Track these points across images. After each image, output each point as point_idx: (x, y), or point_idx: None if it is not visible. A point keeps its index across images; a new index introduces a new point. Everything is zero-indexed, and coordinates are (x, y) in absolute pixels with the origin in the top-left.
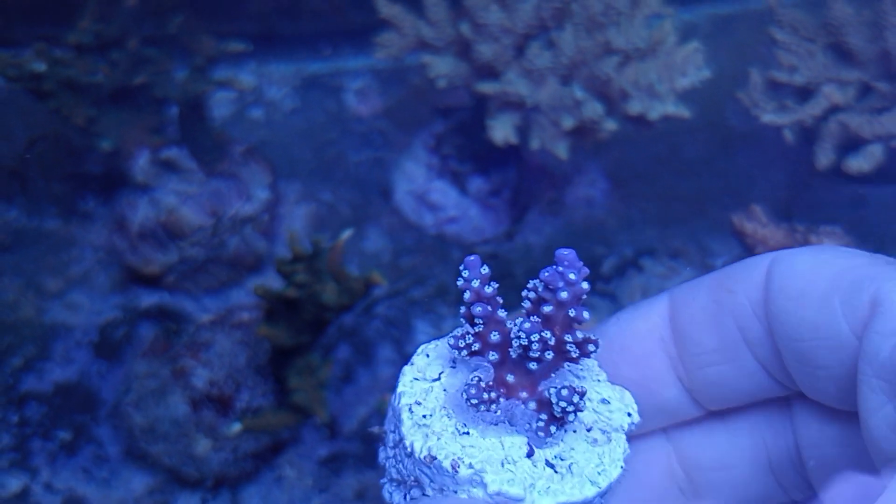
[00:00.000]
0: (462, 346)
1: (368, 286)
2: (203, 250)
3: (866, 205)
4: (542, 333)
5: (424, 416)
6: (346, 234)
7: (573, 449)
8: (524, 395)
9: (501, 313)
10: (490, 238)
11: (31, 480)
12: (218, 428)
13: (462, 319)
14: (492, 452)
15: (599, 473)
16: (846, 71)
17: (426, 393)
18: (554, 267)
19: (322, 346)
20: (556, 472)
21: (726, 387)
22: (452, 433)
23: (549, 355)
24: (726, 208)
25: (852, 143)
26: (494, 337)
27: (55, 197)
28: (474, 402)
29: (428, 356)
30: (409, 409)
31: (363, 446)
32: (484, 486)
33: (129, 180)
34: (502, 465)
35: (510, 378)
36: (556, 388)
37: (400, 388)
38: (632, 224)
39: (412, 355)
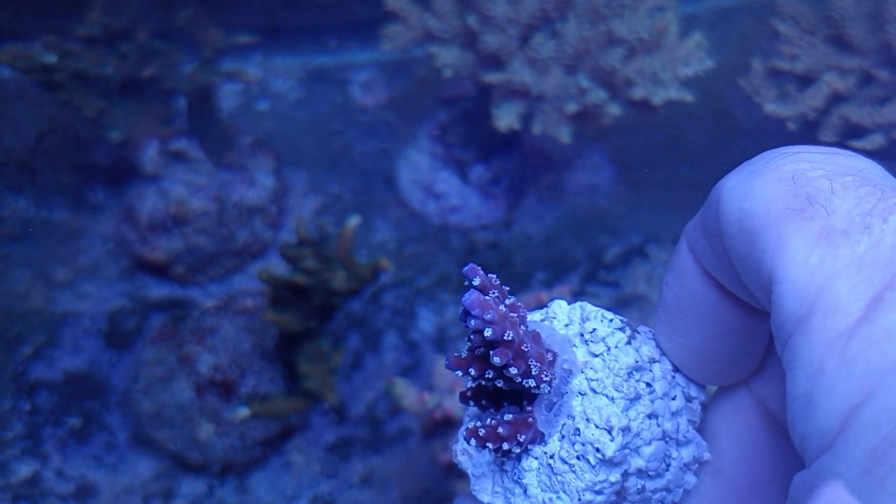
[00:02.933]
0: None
1: (376, 272)
2: (210, 240)
3: None
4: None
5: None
6: (354, 220)
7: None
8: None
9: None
10: (490, 225)
11: (41, 466)
12: (221, 413)
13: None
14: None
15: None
16: (846, 59)
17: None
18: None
19: (331, 333)
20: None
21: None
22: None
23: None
24: None
25: (854, 132)
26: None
27: (64, 188)
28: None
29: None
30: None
31: (370, 431)
32: None
33: (139, 171)
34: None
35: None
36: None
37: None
38: (635, 211)
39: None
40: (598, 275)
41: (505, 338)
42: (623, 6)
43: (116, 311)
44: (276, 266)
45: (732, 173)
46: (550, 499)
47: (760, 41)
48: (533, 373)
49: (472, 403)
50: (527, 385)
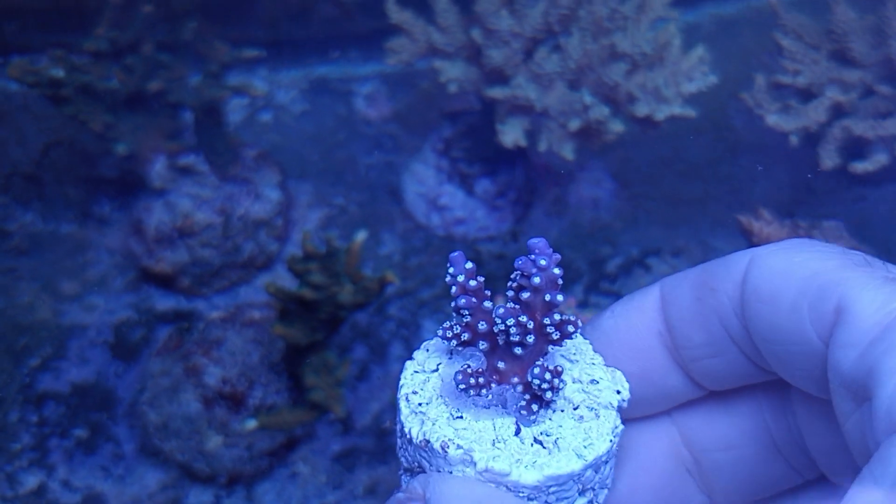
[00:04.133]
0: (450, 336)
1: (383, 285)
2: (216, 253)
3: (868, 205)
4: (519, 318)
5: (420, 405)
6: (361, 235)
7: (560, 426)
8: (515, 380)
9: (487, 304)
10: (496, 237)
11: (48, 478)
12: (230, 424)
13: (453, 314)
14: (483, 433)
15: (586, 447)
16: (849, 73)
17: (423, 383)
18: (525, 256)
19: (337, 345)
20: (543, 447)
21: (719, 376)
22: (447, 418)
23: (531, 339)
24: (730, 208)
25: (856, 146)
26: (482, 326)
27: (71, 201)
28: (462, 387)
29: (427, 350)
30: (407, 398)
31: (376, 441)
32: (473, 464)
33: (146, 185)
34: (493, 444)
35: (501, 364)
36: (538, 369)
37: (401, 381)
38: (637, 224)
39: (414, 351)
40: (601, 285)
41: (534, 284)
42: (626, 18)
43: (123, 323)
44: (283, 278)
45: (764, 247)
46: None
47: (762, 55)
48: (553, 338)
49: (454, 341)
50: (515, 339)
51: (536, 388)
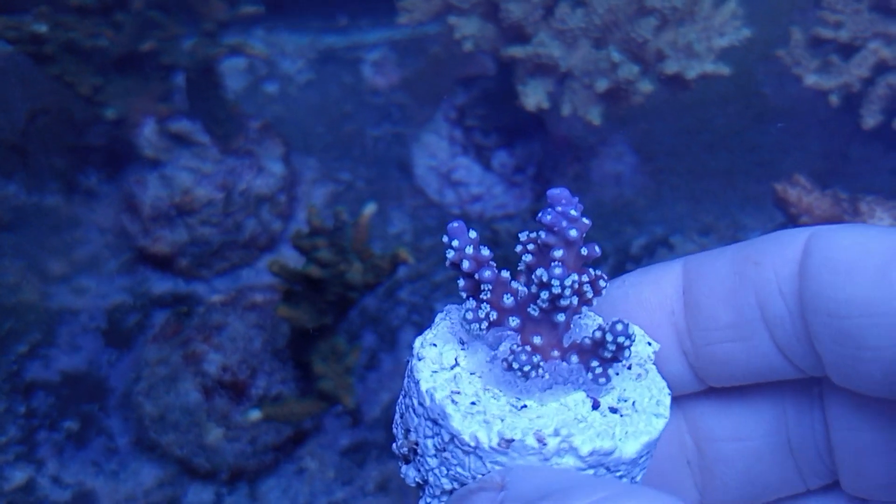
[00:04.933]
0: (481, 318)
1: (395, 264)
2: (216, 231)
3: None
4: (573, 276)
5: (473, 404)
6: (370, 208)
7: (625, 389)
8: (556, 353)
9: (506, 274)
10: (514, 215)
11: (36, 473)
12: (231, 416)
13: (463, 293)
14: (562, 416)
15: (658, 404)
16: (894, 25)
17: (455, 381)
18: (551, 208)
19: (344, 331)
20: (621, 415)
21: (734, 365)
22: (510, 411)
23: (575, 300)
24: (759, 181)
25: None
26: (508, 300)
27: (56, 172)
28: (527, 369)
29: (435, 345)
30: (452, 401)
31: (386, 434)
32: (574, 450)
33: (136, 153)
34: (577, 424)
35: (537, 340)
36: (602, 327)
37: (425, 386)
38: (661, 200)
39: (413, 349)
40: (627, 267)
41: (569, 238)
42: None
43: (116, 307)
44: (288, 259)
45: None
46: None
47: (792, 13)
48: (586, 293)
49: (483, 323)
50: (564, 303)
51: (613, 348)
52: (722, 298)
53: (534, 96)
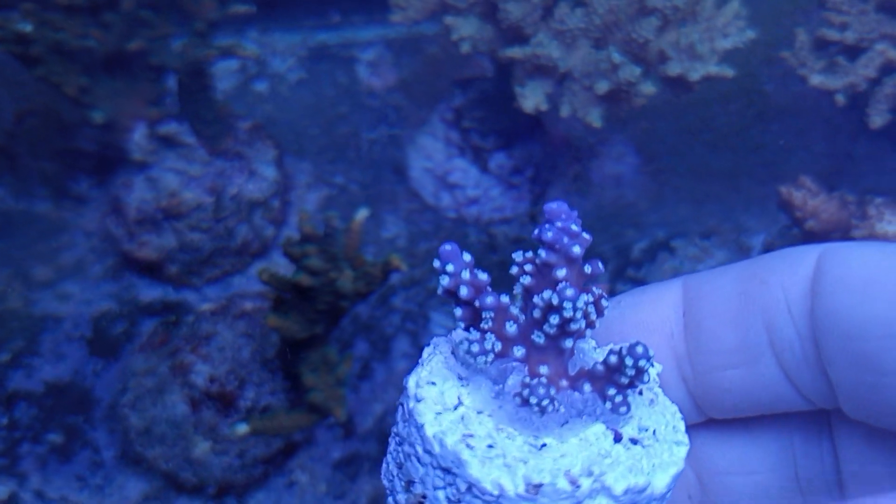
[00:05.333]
0: (487, 351)
1: (387, 272)
2: (207, 237)
3: None
4: (583, 297)
5: (491, 447)
6: (362, 213)
7: (641, 417)
8: (565, 382)
9: (505, 300)
10: (512, 218)
11: (19, 487)
12: (219, 429)
13: (461, 324)
14: (585, 453)
15: (675, 430)
16: None
17: (463, 422)
18: (550, 224)
19: (336, 339)
20: (643, 446)
21: (738, 394)
22: (530, 451)
23: (582, 324)
24: (763, 182)
25: None
26: (511, 328)
27: (46, 177)
28: (545, 403)
29: (434, 384)
30: (467, 445)
31: (379, 446)
32: (607, 490)
33: (125, 158)
34: (603, 460)
35: (544, 369)
36: (620, 348)
37: (431, 430)
38: (663, 202)
39: (407, 390)
40: (627, 272)
41: (572, 255)
42: None
43: (102, 315)
44: (280, 267)
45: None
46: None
47: (795, 14)
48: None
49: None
50: (574, 327)
51: (630, 374)
52: (726, 320)
53: (532, 98)
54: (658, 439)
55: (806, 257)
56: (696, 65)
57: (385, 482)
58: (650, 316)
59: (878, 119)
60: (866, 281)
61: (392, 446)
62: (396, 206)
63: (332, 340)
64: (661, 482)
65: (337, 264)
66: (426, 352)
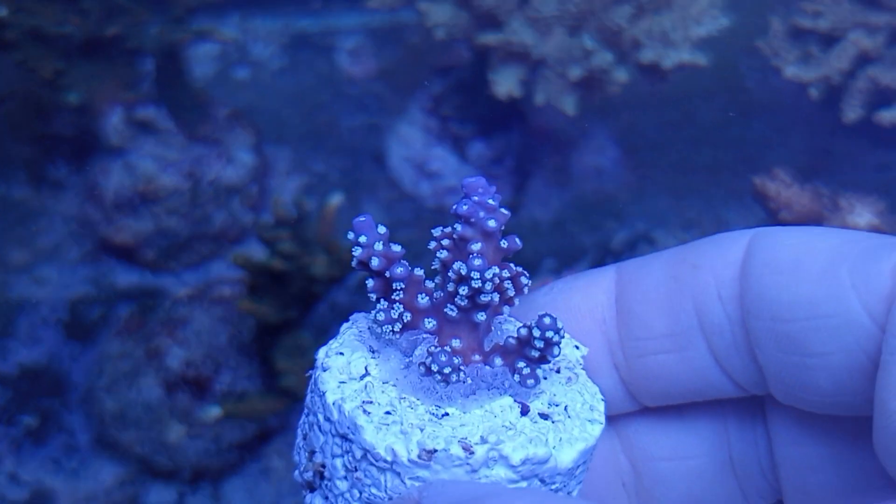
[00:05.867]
0: (394, 319)
1: None
2: (184, 222)
3: (892, 170)
4: (493, 269)
5: (388, 413)
6: (336, 199)
7: (555, 394)
8: (478, 357)
9: (419, 272)
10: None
11: None
12: (194, 413)
13: (372, 295)
14: (488, 423)
15: (591, 409)
16: (874, 16)
17: (366, 391)
18: (467, 198)
19: (314, 326)
20: (553, 421)
21: (669, 380)
22: (430, 420)
23: (495, 297)
24: (743, 176)
25: (883, 98)
26: (423, 300)
27: (23, 162)
28: (447, 371)
29: (341, 354)
30: (363, 411)
31: None
32: (505, 459)
33: (102, 142)
34: (506, 431)
35: (456, 343)
36: (527, 324)
37: (331, 397)
38: (643, 195)
39: (316, 360)
40: (606, 262)
41: (488, 229)
42: None
43: (79, 299)
44: (257, 252)
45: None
46: None
47: (775, 4)
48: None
49: (396, 325)
50: (484, 299)
51: (539, 346)
52: (656, 305)
53: (505, 84)
54: (570, 416)
55: (736, 242)
56: (669, 52)
57: (295, 457)
58: (582, 301)
59: (851, 114)
60: (794, 263)
61: (301, 419)
62: (375, 194)
63: (308, 326)
64: (566, 456)
65: (310, 249)
66: (343, 326)
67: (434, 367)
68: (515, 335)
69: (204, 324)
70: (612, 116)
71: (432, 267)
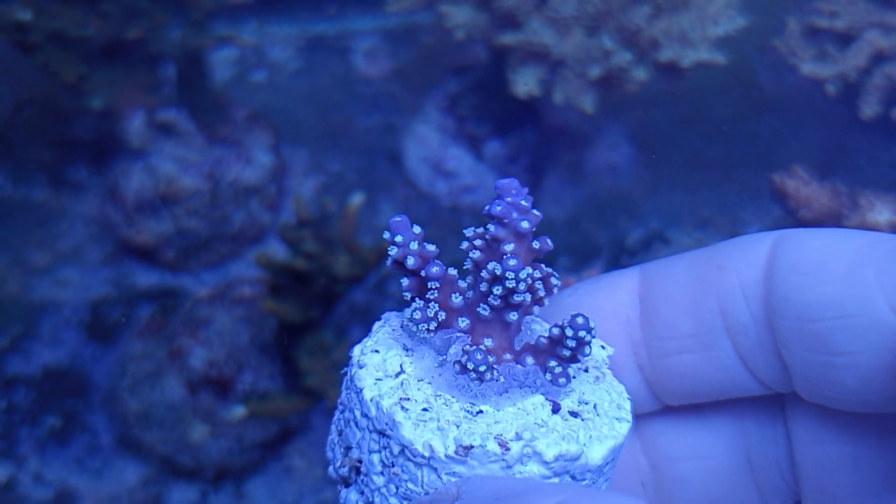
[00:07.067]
0: (430, 318)
1: (382, 257)
2: (204, 223)
3: None
4: (527, 269)
5: (426, 410)
6: (358, 198)
7: (584, 392)
8: (509, 356)
9: (453, 272)
10: None
11: (17, 470)
12: (217, 413)
13: (407, 294)
14: (521, 420)
15: (619, 408)
16: (890, 16)
17: (402, 388)
18: (500, 199)
19: (333, 325)
20: (583, 419)
21: (693, 379)
22: (466, 417)
23: (528, 297)
24: (757, 173)
25: None
26: (457, 300)
27: (44, 164)
28: (482, 369)
29: (377, 352)
30: (402, 408)
31: None
32: (538, 455)
33: (124, 145)
34: (539, 428)
35: (489, 342)
36: (560, 323)
37: (369, 394)
38: (658, 191)
39: (352, 357)
40: (621, 260)
41: (521, 230)
42: None
43: (100, 300)
44: (276, 251)
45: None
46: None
47: (788, 3)
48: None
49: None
50: (517, 299)
51: (571, 346)
52: (681, 305)
53: (524, 84)
54: (599, 414)
55: (761, 244)
56: (687, 51)
57: (328, 454)
58: (606, 302)
59: (868, 110)
60: (819, 264)
61: (336, 416)
62: (392, 193)
63: (328, 325)
64: (596, 453)
65: (332, 249)
66: (376, 325)
67: (470, 366)
68: (546, 334)
69: (225, 324)
70: (626, 113)
71: (464, 266)
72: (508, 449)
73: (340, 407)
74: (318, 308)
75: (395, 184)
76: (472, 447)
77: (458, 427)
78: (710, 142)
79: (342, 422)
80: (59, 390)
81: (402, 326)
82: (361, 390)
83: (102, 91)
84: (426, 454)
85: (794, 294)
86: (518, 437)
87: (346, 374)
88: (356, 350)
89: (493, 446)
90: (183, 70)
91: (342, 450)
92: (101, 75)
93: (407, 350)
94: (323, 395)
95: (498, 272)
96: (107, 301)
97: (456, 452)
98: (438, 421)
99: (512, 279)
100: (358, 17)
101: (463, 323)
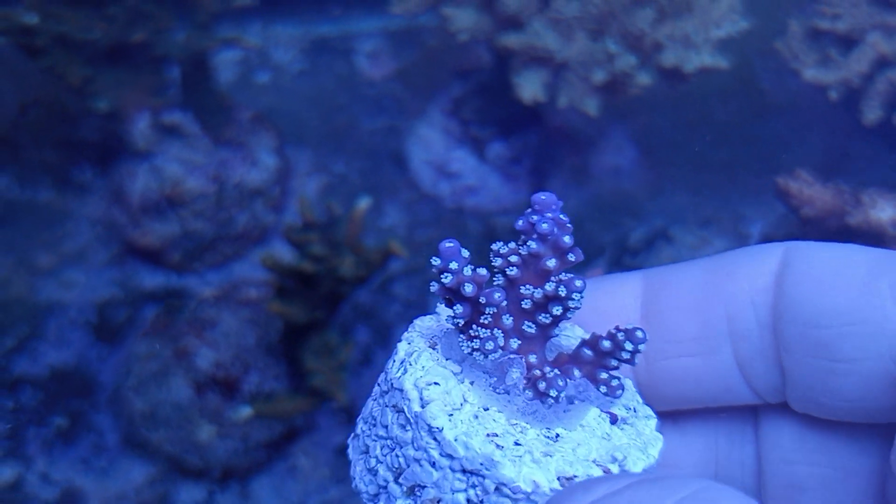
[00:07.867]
0: (500, 347)
1: (386, 258)
2: (209, 225)
3: None
4: (579, 282)
5: (517, 444)
6: (365, 202)
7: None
8: (548, 369)
9: (498, 295)
10: (511, 209)
11: (25, 470)
12: (223, 413)
13: (460, 320)
14: (594, 438)
15: (643, 406)
16: (893, 17)
17: (480, 421)
18: (541, 216)
19: (338, 325)
20: (630, 424)
21: (688, 384)
22: (548, 443)
23: (567, 312)
24: (759, 175)
25: None
26: (508, 321)
27: (49, 166)
28: (563, 395)
29: (437, 384)
30: (496, 445)
31: None
32: (628, 473)
33: (129, 147)
34: (609, 442)
35: (533, 358)
36: (615, 333)
37: (452, 433)
38: (661, 193)
39: (405, 392)
40: (624, 260)
41: (563, 245)
42: None
43: (106, 302)
44: (279, 252)
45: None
46: None
47: (790, 7)
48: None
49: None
50: (569, 316)
51: (625, 359)
52: (688, 309)
53: (529, 88)
54: (637, 415)
55: (771, 253)
56: (691, 55)
57: (361, 487)
58: (608, 303)
59: (870, 115)
60: (830, 274)
61: (377, 451)
62: (396, 195)
63: (333, 326)
64: (654, 456)
65: (338, 251)
66: (403, 348)
67: (552, 393)
68: (590, 345)
69: (232, 325)
70: (629, 117)
71: (495, 283)
72: (609, 472)
73: (389, 443)
74: (324, 309)
75: (398, 185)
76: (574, 477)
77: (551, 457)
78: (714, 145)
79: (400, 460)
80: (66, 391)
81: (431, 347)
82: (440, 430)
83: (108, 93)
84: (528, 489)
85: (805, 300)
86: (613, 460)
87: (395, 408)
88: (408, 383)
89: (595, 472)
90: (188, 72)
91: (404, 488)
92: (106, 78)
93: (456, 376)
94: (329, 395)
95: (563, 293)
96: (112, 302)
97: (561, 485)
98: (532, 454)
99: (578, 299)
100: (362, 19)
101: (514, 344)
